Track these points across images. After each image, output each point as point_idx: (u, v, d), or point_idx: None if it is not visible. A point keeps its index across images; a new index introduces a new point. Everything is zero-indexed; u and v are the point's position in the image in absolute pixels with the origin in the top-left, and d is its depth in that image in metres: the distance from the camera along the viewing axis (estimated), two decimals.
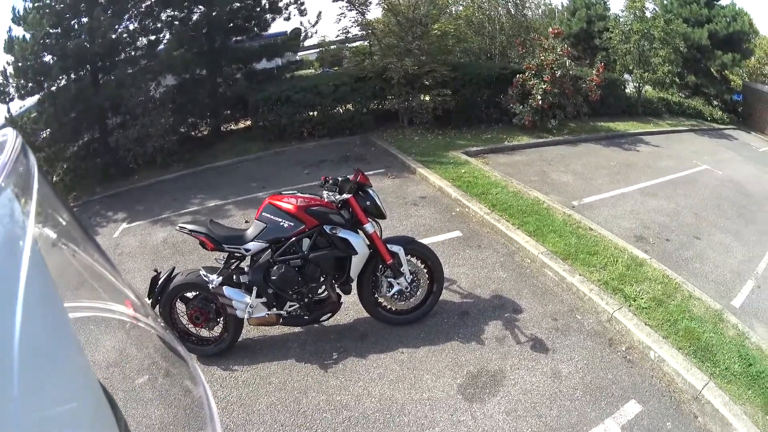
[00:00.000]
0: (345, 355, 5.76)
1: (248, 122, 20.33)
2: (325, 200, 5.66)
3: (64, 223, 1.09)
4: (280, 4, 19.92)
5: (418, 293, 6.00)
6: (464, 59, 19.55)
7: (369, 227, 5.63)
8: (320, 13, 20.90)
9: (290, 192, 5.86)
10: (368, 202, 5.72)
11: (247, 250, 5.69)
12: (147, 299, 5.90)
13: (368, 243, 5.67)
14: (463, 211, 9.05)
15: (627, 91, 20.63)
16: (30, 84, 17.70)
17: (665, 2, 25.01)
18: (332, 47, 24.85)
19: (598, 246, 7.06)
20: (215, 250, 5.78)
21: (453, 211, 9.15)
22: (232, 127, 21.20)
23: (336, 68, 27.58)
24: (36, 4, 16.88)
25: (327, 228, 5.58)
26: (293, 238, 5.58)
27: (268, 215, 5.65)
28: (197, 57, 18.75)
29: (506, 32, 21.58)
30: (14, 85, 17.89)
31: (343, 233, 5.58)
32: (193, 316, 5.96)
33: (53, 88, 17.87)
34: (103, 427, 1.07)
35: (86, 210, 15.87)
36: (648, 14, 22.17)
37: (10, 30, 17.40)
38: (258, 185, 13.09)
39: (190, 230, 5.87)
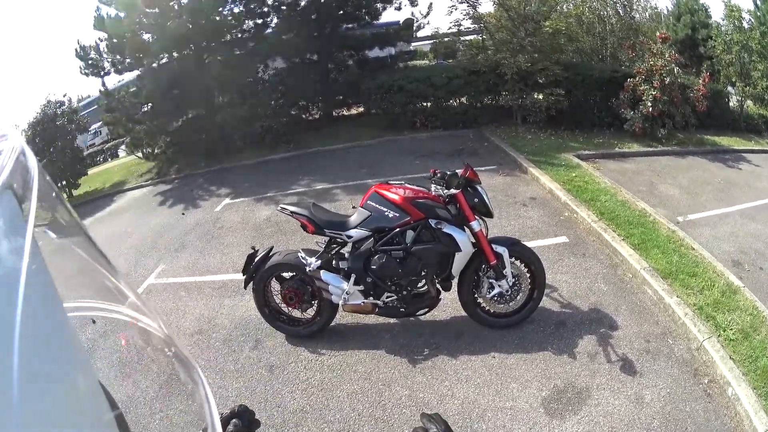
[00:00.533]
0: (436, 352, 5.76)
1: (360, 109, 20.62)
2: (433, 193, 5.66)
3: (64, 223, 1.08)
4: None
5: (518, 297, 5.89)
6: (576, 59, 19.23)
7: (475, 225, 5.57)
8: (431, 4, 20.78)
9: (398, 182, 5.88)
10: (476, 199, 5.66)
11: (349, 237, 5.76)
12: (242, 274, 6.24)
13: (473, 241, 5.60)
14: (571, 216, 9.00)
15: (730, 104, 19.66)
16: (127, 60, 18.60)
17: (758, 13, 23.82)
18: (446, 39, 24.79)
19: (698, 267, 6.86)
20: (316, 234, 5.89)
21: (561, 215, 9.12)
22: (344, 112, 21.33)
23: (450, 60, 27.43)
24: None
25: (432, 222, 5.56)
26: (397, 229, 5.59)
27: (374, 204, 5.69)
28: (307, 42, 19.08)
29: (616, 34, 21.01)
30: (109, 60, 18.90)
31: (448, 229, 5.53)
32: (287, 296, 6.10)
33: (154, 65, 18.72)
34: (103, 427, 1.09)
35: (188, 183, 16.73)
36: (745, 24, 21.15)
37: (98, 9, 18.20)
38: (368, 172, 13.28)
39: (292, 212, 6.02)
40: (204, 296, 8.19)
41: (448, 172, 5.66)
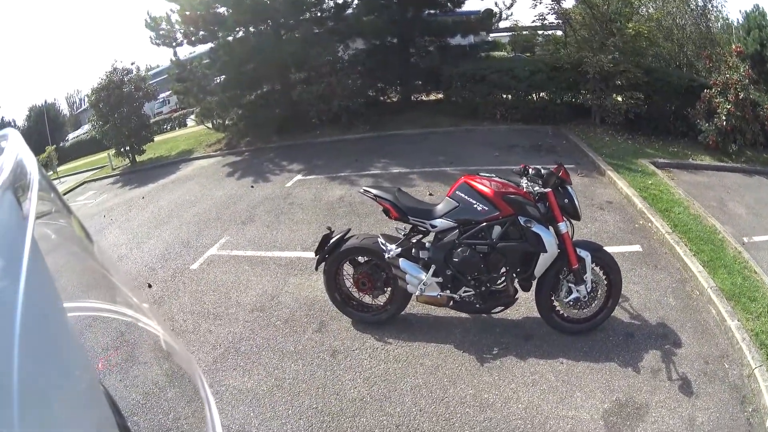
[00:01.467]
0: (505, 353, 5.81)
1: (439, 95, 20.56)
2: (524, 190, 5.58)
3: (64, 223, 1.12)
4: None
5: (593, 304, 5.87)
6: (655, 64, 18.92)
7: (563, 226, 5.55)
8: None
9: (487, 174, 5.83)
10: (566, 200, 5.64)
11: (433, 226, 5.76)
12: (314, 254, 6.36)
13: (558, 242, 5.57)
14: (645, 225, 9.07)
15: None
16: (201, 32, 19.01)
17: None
18: (525, 33, 24.63)
19: (758, 292, 6.92)
20: (399, 220, 5.93)
21: (636, 222, 9.20)
22: (423, 98, 21.42)
23: (528, 54, 27.30)
24: None
25: (521, 219, 5.50)
26: (484, 223, 5.56)
27: (462, 195, 5.67)
28: (388, 25, 19.24)
29: (694, 41, 20.80)
30: (182, 31, 19.28)
31: (536, 228, 5.48)
32: (360, 281, 6.20)
33: (229, 38, 19.11)
34: (103, 426, 1.11)
35: (258, 156, 17.04)
36: None
37: None
38: (446, 160, 13.39)
39: (376, 195, 6.05)
40: (268, 272, 8.31)
41: (543, 170, 5.67)
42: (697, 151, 14.31)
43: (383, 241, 5.95)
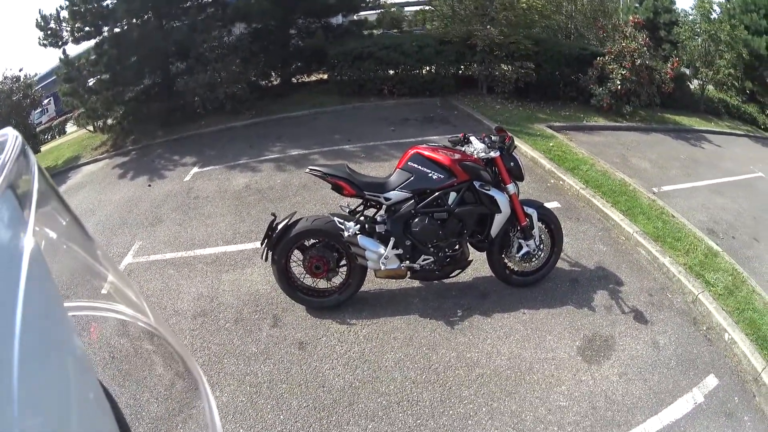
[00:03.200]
0: (469, 313, 6.04)
1: (321, 75, 20.57)
2: (473, 155, 5.82)
3: (64, 223, 1.15)
4: None
5: (541, 255, 6.32)
6: (544, 35, 19.79)
7: (511, 188, 5.86)
8: None
9: (433, 144, 5.98)
10: (512, 163, 5.94)
11: (387, 199, 5.78)
12: (261, 245, 6.01)
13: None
14: (557, 183, 9.67)
15: (691, 87, 20.85)
16: (87, 28, 18.14)
17: (728, 6, 25.12)
18: (392, 9, 25.07)
19: (680, 232, 7.75)
20: (353, 197, 5.85)
21: (548, 182, 9.78)
22: (304, 79, 21.33)
23: (395, 30, 27.86)
24: None
25: (477, 184, 5.75)
26: (440, 191, 5.72)
27: (416, 165, 5.74)
28: (271, 7, 18.94)
29: (584, 14, 21.89)
30: (68, 29, 18.31)
31: (492, 191, 5.76)
32: (313, 266, 5.95)
33: (114, 32, 18.30)
34: (103, 426, 1.12)
35: (148, 153, 16.34)
36: (714, 16, 22.42)
37: None
38: (342, 138, 13.47)
39: (325, 173, 5.85)
40: (197, 273, 7.80)
41: (494, 137, 5.95)
42: (590, 114, 15.27)
43: (339, 220, 5.85)
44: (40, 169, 1.01)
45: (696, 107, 19.95)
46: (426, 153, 5.82)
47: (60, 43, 18.65)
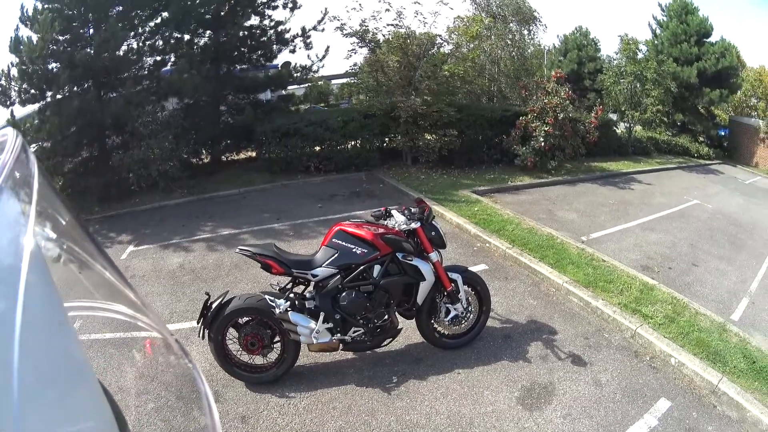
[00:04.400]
0: (405, 378, 6.03)
1: (250, 153, 20.82)
2: (395, 228, 5.97)
3: (64, 223, 1.13)
4: (288, 36, 20.43)
5: (470, 318, 6.38)
6: (466, 100, 20.22)
7: (434, 256, 5.98)
8: (328, 47, 20.90)
9: (357, 220, 6.18)
10: (433, 232, 6.07)
11: (314, 276, 5.85)
12: (197, 324, 5.96)
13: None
14: (483, 246, 9.71)
15: (618, 131, 21.45)
16: (33, 90, 17.75)
17: (656, 42, 26.09)
18: (320, 83, 25.26)
19: (612, 275, 7.85)
20: (282, 275, 5.93)
21: (474, 246, 9.81)
22: (234, 156, 21.57)
23: (322, 104, 28.19)
24: (46, 6, 16.98)
25: (399, 255, 5.89)
26: (364, 265, 5.83)
27: (339, 241, 5.89)
28: (203, 82, 19.10)
29: (508, 74, 22.52)
30: (17, 88, 17.82)
31: (414, 261, 5.90)
32: (248, 343, 6.00)
33: (58, 97, 17.99)
34: (104, 426, 1.12)
35: None
36: (640, 55, 23.21)
37: (17, 29, 17.55)
38: (271, 216, 13.45)
39: (254, 253, 5.94)
40: (136, 352, 7.82)
41: (413, 209, 6.12)
42: (515, 174, 15.50)
43: (271, 298, 5.89)
44: (40, 169, 1.00)
45: (624, 151, 20.54)
46: (349, 229, 5.95)
47: (8, 103, 18.09)
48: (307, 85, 25.63)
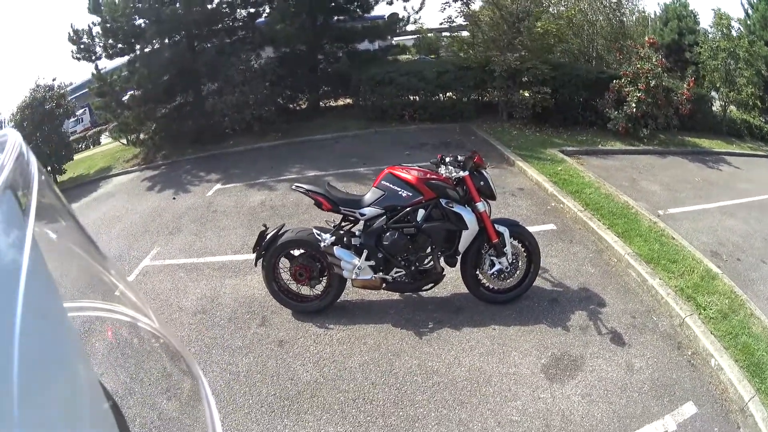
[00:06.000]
0: (440, 326, 6.06)
1: (347, 100, 20.70)
2: (443, 175, 5.98)
3: (64, 223, 1.12)
4: None
5: (516, 274, 6.24)
6: (563, 59, 19.53)
7: (480, 206, 5.91)
8: (424, 0, 20.80)
9: (407, 165, 6.22)
10: (482, 183, 6.02)
11: (362, 215, 6.04)
12: (252, 252, 6.44)
13: (477, 220, 5.93)
14: (557, 206, 9.39)
15: (714, 108, 20.18)
16: (120, 45, 18.45)
17: (749, 23, 24.36)
18: (429, 35, 24.93)
19: (678, 255, 7.31)
20: (331, 211, 6.15)
21: (548, 205, 9.51)
22: (331, 103, 21.47)
23: (432, 56, 27.73)
24: None
25: (443, 201, 5.89)
26: (409, 208, 5.91)
27: (387, 184, 6.01)
28: (299, 32, 19.18)
29: (604, 36, 21.47)
30: (101, 45, 18.61)
31: (457, 208, 5.86)
32: (297, 273, 6.35)
33: (146, 50, 18.62)
34: (103, 426, 1.10)
35: (176, 168, 16.78)
36: (734, 33, 21.71)
37: None
38: (358, 161, 13.51)
39: (307, 190, 6.23)
40: (204, 277, 8.29)
41: (460, 157, 6.02)
42: (607, 138, 14.83)
43: (318, 232, 6.18)
44: (40, 169, 0.98)
45: (718, 129, 19.09)
46: (397, 172, 6.08)
47: (93, 58, 19.00)
48: (416, 36, 25.34)
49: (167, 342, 1.38)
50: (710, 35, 23.03)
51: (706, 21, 27.38)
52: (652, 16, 28.33)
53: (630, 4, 24.16)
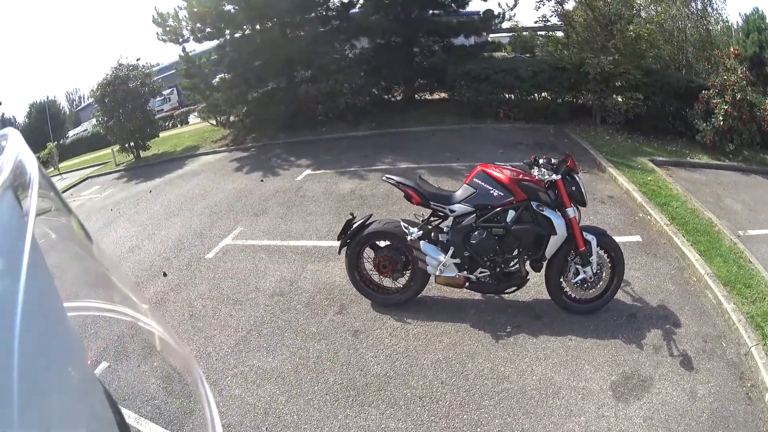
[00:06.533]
0: (518, 330, 6.15)
1: (442, 94, 20.79)
2: (535, 177, 6.03)
3: (64, 223, 1.10)
4: None
5: (599, 285, 6.27)
6: (655, 65, 19.20)
7: (571, 211, 5.95)
8: None
9: (501, 164, 6.31)
10: (574, 188, 6.05)
11: (452, 211, 6.16)
12: (337, 240, 6.69)
13: (566, 226, 5.95)
14: (645, 217, 9.43)
15: None
16: (208, 29, 18.96)
17: None
18: (525, 33, 24.80)
19: (753, 279, 7.27)
20: (420, 205, 6.30)
21: (636, 215, 9.56)
22: (426, 96, 21.70)
23: (528, 55, 27.53)
24: None
25: (534, 204, 5.94)
26: (499, 208, 5.97)
27: (479, 182, 6.09)
28: (394, 24, 19.43)
29: (693, 44, 20.98)
30: (189, 28, 19.18)
31: (547, 212, 5.90)
32: (381, 264, 6.54)
33: (236, 36, 19.24)
34: (103, 426, 1.10)
35: (265, 152, 17.17)
36: None
37: None
38: (452, 156, 13.68)
39: (398, 182, 6.43)
40: (286, 260, 8.59)
41: (554, 159, 6.11)
42: (695, 151, 14.60)
43: (405, 225, 6.30)
44: (40, 169, 0.97)
45: None
46: (489, 171, 6.14)
47: (180, 41, 19.77)
48: (511, 33, 25.21)
49: (167, 342, 1.34)
50: None
51: None
52: (735, 26, 27.51)
53: (715, 12, 23.47)
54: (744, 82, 14.48)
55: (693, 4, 21.90)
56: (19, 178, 0.89)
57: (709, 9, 22.80)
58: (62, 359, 0.98)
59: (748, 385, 5.46)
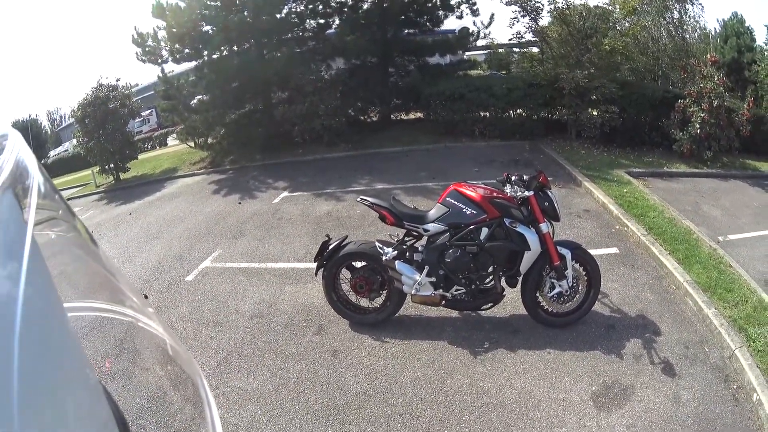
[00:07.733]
0: (495, 346, 6.12)
1: (418, 114, 20.85)
2: (508, 194, 6.00)
3: (64, 223, 1.10)
4: (453, 2, 20.33)
5: (576, 298, 6.25)
6: (630, 77, 19.36)
7: (544, 227, 5.94)
8: (493, 15, 20.90)
9: (474, 182, 6.31)
10: (546, 203, 6.02)
11: (426, 231, 6.12)
12: (314, 261, 6.66)
13: (540, 242, 5.94)
14: (621, 229, 9.43)
15: None
16: (186, 50, 18.96)
17: None
18: (500, 50, 25.02)
19: (734, 284, 7.27)
20: (394, 226, 6.25)
21: (613, 227, 9.55)
22: (402, 116, 21.78)
23: (504, 71, 27.78)
24: None
25: (507, 221, 5.91)
26: (473, 226, 5.94)
27: (452, 201, 6.06)
28: (369, 44, 19.56)
29: (668, 54, 21.18)
30: (167, 49, 19.17)
31: (520, 228, 5.89)
32: (357, 284, 6.50)
33: (214, 56, 19.19)
34: (103, 427, 1.08)
35: (243, 174, 17.17)
36: None
37: None
38: (427, 175, 13.71)
39: (372, 203, 6.39)
40: (264, 282, 8.56)
41: (525, 176, 6.09)
42: (672, 160, 14.71)
43: (380, 245, 6.29)
44: (40, 169, 0.97)
45: None
46: (462, 190, 6.13)
47: (159, 61, 19.75)
48: (487, 51, 25.46)
49: (167, 342, 1.37)
50: (766, 53, 22.70)
51: (761, 37, 26.74)
52: (713, 33, 27.88)
53: (692, 21, 23.80)
54: (721, 88, 14.62)
55: (669, 14, 22.12)
56: (19, 179, 0.89)
57: (686, 17, 23.12)
58: (62, 360, 0.97)
59: (734, 387, 5.44)
